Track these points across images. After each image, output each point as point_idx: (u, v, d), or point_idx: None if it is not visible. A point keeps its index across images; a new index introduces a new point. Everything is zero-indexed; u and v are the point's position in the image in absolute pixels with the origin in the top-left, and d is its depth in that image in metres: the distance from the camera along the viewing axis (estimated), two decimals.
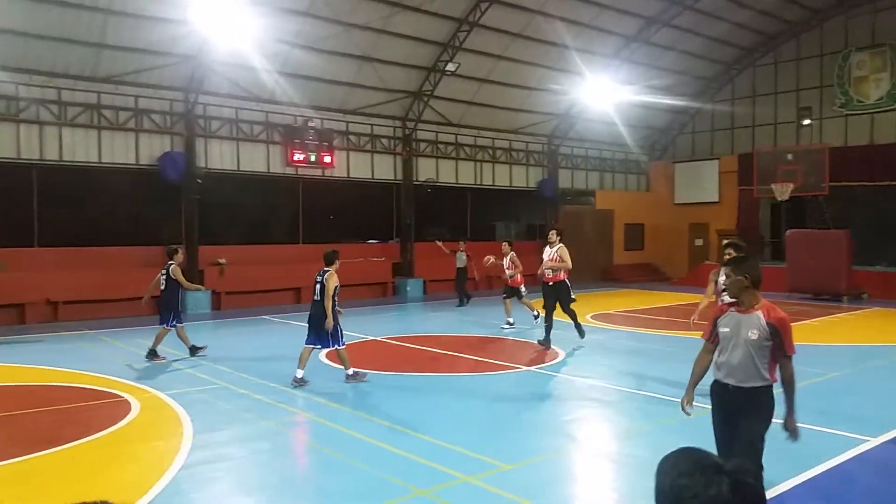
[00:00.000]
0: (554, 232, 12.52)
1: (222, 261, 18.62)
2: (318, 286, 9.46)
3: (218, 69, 18.19)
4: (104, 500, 1.41)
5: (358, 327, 14.36)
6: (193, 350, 11.58)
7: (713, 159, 28.79)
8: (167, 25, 16.46)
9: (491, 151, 25.66)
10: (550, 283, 12.20)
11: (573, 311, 12.42)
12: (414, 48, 20.91)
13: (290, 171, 20.85)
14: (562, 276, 12.21)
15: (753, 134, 28.08)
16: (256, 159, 20.21)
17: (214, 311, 18.13)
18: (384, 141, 22.92)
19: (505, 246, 15.78)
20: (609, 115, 25.12)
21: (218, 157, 19.43)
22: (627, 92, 23.55)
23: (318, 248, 21.25)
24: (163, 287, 11.47)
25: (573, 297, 12.47)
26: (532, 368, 10.76)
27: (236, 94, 19.20)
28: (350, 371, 9.52)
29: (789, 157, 24.22)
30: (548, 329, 12.05)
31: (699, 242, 28.91)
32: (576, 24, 22.16)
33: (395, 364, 11.26)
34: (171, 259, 11.59)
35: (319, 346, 9.59)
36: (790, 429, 4.72)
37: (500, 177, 26.06)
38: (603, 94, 22.96)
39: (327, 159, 21.18)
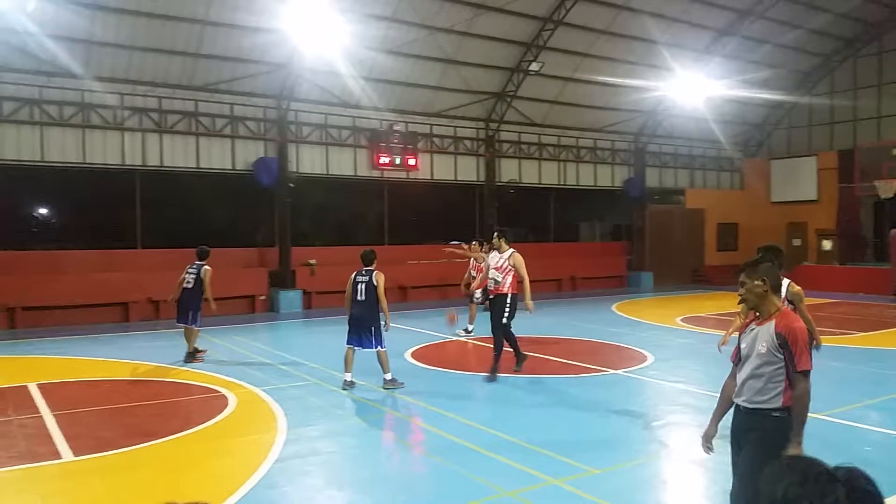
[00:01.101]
0: (497, 234, 10.49)
1: (313, 262, 19.16)
2: (362, 286, 9.27)
3: (308, 76, 18.75)
4: (202, 502, 1.46)
5: (441, 327, 14.47)
6: (192, 354, 11.36)
7: (811, 155, 27.44)
8: (260, 35, 17.09)
9: (575, 151, 25.34)
10: (492, 296, 10.27)
11: (508, 334, 10.05)
12: (497, 49, 20.92)
13: (375, 173, 21.26)
14: (506, 288, 9.99)
15: (855, 128, 26.59)
16: (344, 163, 20.71)
17: (306, 311, 18.69)
18: (467, 143, 23.02)
19: (474, 246, 14.86)
20: (700, 111, 24.33)
21: (308, 161, 20.04)
22: (719, 87, 22.75)
23: (403, 249, 21.92)
24: (190, 286, 11.40)
25: (508, 317, 9.98)
26: (620, 372, 10.56)
27: (325, 100, 19.74)
28: (388, 376, 9.28)
29: (894, 152, 22.80)
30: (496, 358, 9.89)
31: (797, 242, 27.61)
32: (664, 19, 21.63)
33: (480, 364, 11.28)
34: (204, 260, 11.60)
35: (361, 348, 9.35)
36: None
37: (585, 176, 25.69)
38: (693, 89, 22.27)
39: (411, 162, 21.46)
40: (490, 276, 10.20)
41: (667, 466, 6.66)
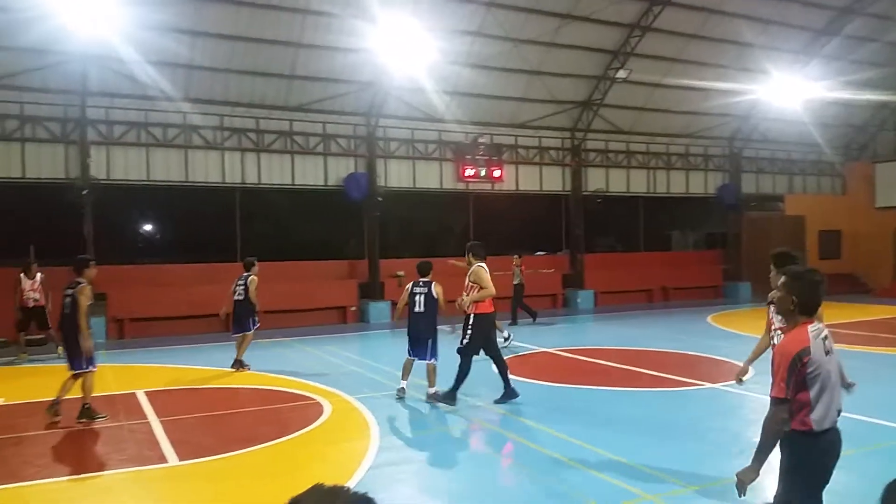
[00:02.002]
0: (467, 249, 9.51)
1: (401, 273, 19.43)
2: (420, 298, 9.20)
3: (395, 93, 19.15)
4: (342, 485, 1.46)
5: (528, 338, 14.41)
6: (239, 364, 11.78)
7: None
8: (350, 55, 17.60)
9: (665, 158, 24.73)
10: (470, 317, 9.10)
11: (464, 359, 9.04)
12: (583, 58, 20.73)
13: (461, 186, 21.44)
14: (476, 308, 9.00)
15: None
16: (430, 176, 21.00)
17: (394, 322, 18.97)
18: (552, 153, 22.88)
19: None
20: (797, 114, 23.29)
21: (396, 175, 20.44)
22: (818, 89, 21.71)
23: (488, 260, 21.84)
24: (241, 297, 11.84)
25: (468, 340, 9.06)
26: (718, 386, 10.19)
27: (412, 115, 20.10)
28: (432, 390, 9.16)
29: None
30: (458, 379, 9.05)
31: None
32: (757, 21, 20.88)
33: (569, 376, 11.15)
34: (249, 271, 12.04)
35: (416, 359, 9.31)
36: (737, 477, 3.82)
37: (676, 184, 25.02)
38: (790, 92, 21.36)
39: (497, 173, 21.52)
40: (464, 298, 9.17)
41: (769, 486, 6.37)
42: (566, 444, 7.26)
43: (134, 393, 10.19)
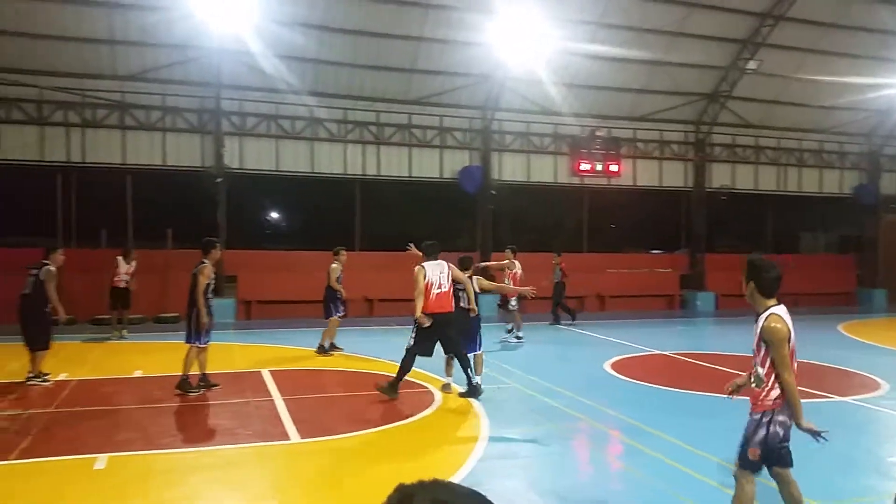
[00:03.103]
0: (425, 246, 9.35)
1: (503, 262, 19.48)
2: (463, 293, 9.35)
3: (511, 86, 19.15)
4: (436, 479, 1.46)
5: (642, 340, 14.07)
6: (331, 348, 12.46)
7: None
8: (468, 48, 17.76)
9: (798, 154, 23.36)
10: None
11: (404, 360, 9.01)
12: (710, 48, 19.89)
13: (575, 180, 21.17)
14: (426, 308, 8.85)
15: None
16: (545, 170, 20.87)
17: (503, 314, 19.03)
18: (674, 147, 22.14)
19: (507, 253, 14.44)
20: None
21: (510, 168, 20.47)
22: None
23: (602, 257, 21.59)
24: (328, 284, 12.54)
25: (411, 340, 9.01)
26: (848, 399, 9.58)
27: (527, 108, 20.04)
28: (476, 380, 9.14)
29: None
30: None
31: None
32: None
33: (684, 381, 10.82)
34: (337, 259, 12.63)
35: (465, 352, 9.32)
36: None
37: (808, 182, 23.58)
38: None
39: (613, 168, 21.07)
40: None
41: None
42: (678, 448, 7.08)
43: (259, 371, 10.81)
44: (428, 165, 19.75)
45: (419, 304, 8.72)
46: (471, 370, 9.08)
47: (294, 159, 18.60)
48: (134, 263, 14.57)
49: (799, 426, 4.38)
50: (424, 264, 9.01)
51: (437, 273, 8.94)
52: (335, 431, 7.63)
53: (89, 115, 17.05)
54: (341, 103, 18.70)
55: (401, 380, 8.98)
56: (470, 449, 6.93)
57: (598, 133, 20.93)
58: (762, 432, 4.44)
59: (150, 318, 16.52)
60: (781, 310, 4.44)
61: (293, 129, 18.54)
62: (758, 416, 4.49)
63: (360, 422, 8.02)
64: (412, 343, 8.94)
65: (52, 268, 9.83)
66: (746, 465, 4.53)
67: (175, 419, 8.27)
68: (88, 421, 8.05)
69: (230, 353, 12.62)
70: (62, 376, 10.22)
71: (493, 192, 19.89)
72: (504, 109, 19.88)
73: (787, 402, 4.38)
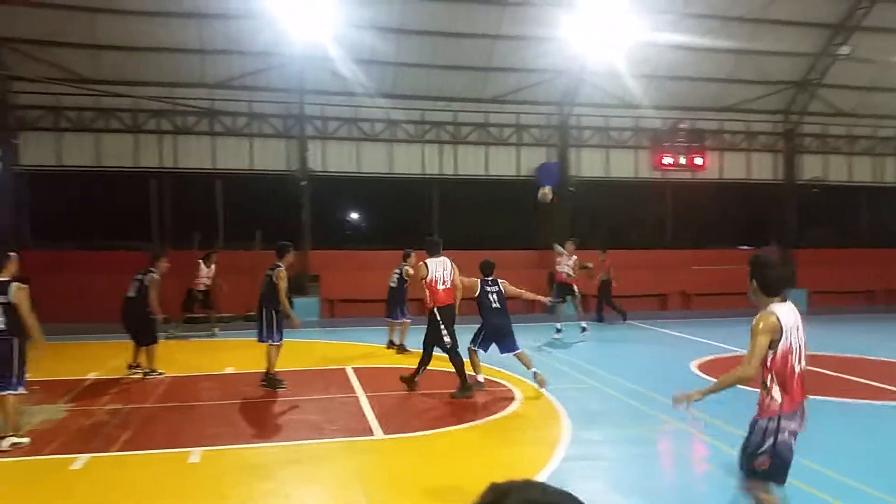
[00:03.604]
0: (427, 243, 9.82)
1: (589, 265, 19.19)
2: (494, 296, 9.49)
3: (589, 80, 18.88)
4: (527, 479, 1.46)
5: (730, 339, 13.61)
6: (400, 347, 12.54)
7: None
8: (544, 44, 17.61)
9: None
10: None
11: (424, 352, 9.50)
12: (798, 34, 19.04)
13: (657, 175, 20.69)
14: (427, 303, 9.45)
15: None
16: (624, 165, 20.48)
17: (586, 313, 18.78)
18: (762, 138, 21.31)
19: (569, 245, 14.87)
20: None
21: (588, 164, 20.19)
22: None
23: (686, 253, 20.99)
24: (395, 285, 12.67)
25: (442, 336, 9.32)
26: None
27: (606, 102, 19.70)
28: (536, 369, 9.24)
29: None
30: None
31: None
32: None
33: None
34: (406, 262, 12.46)
35: (508, 352, 9.48)
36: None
37: None
38: None
39: (698, 161, 20.48)
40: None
41: None
42: None
43: (343, 368, 11.08)
44: (504, 164, 19.72)
45: (428, 295, 9.24)
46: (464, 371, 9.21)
47: (373, 161, 18.95)
48: (214, 267, 15.13)
49: (690, 396, 4.40)
50: (427, 261, 9.38)
51: (439, 270, 9.32)
52: (418, 428, 7.75)
53: (180, 123, 17.88)
54: (419, 104, 18.91)
55: (464, 377, 9.13)
56: (552, 449, 6.90)
57: (681, 125, 20.38)
58: (770, 440, 4.16)
59: (240, 316, 17.14)
60: (782, 307, 4.22)
61: (372, 131, 18.88)
62: (764, 423, 4.21)
63: (441, 419, 8.12)
64: (449, 340, 9.21)
65: (157, 275, 10.44)
66: (757, 474, 4.20)
67: (264, 414, 8.58)
68: (183, 415, 8.46)
69: (315, 350, 12.98)
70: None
71: (571, 188, 19.65)
72: (582, 104, 19.62)
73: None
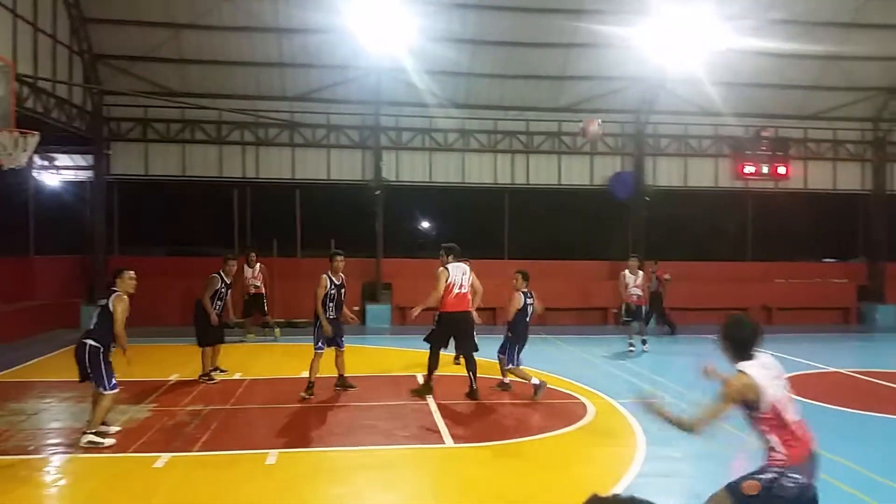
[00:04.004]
0: (443, 251, 9.98)
1: (667, 276, 18.76)
2: (530, 308, 9.72)
3: (667, 87, 18.50)
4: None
5: (815, 356, 13.05)
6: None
7: None
8: (620, 51, 17.32)
9: None
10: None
11: (431, 354, 9.76)
12: (890, 38, 18.08)
13: (738, 184, 20.06)
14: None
15: None
16: (704, 174, 19.96)
17: (660, 327, 18.36)
18: (849, 146, 20.38)
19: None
20: None
21: (665, 173, 19.78)
22: None
23: (768, 266, 20.23)
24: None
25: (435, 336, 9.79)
26: None
27: (684, 109, 19.25)
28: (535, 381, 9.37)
29: None
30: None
31: None
32: None
33: (864, 401, 9.89)
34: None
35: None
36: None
37: None
38: None
39: (781, 170, 19.74)
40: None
41: None
42: (858, 475, 6.50)
43: (414, 375, 11.14)
44: (578, 173, 19.52)
45: (431, 299, 9.47)
46: (475, 374, 9.44)
47: (446, 170, 19.09)
48: (258, 266, 15.39)
49: (662, 414, 4.17)
50: (448, 266, 9.57)
51: (458, 274, 9.55)
52: (488, 438, 7.73)
53: (262, 134, 18.48)
54: (491, 114, 18.96)
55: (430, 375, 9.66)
56: (627, 463, 6.76)
57: (763, 133, 19.70)
58: (771, 475, 3.92)
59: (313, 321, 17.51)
60: (753, 365, 3.99)
61: (445, 141, 19.03)
62: (771, 470, 3.96)
63: (512, 430, 8.07)
64: (430, 334, 9.67)
65: (216, 275, 10.71)
66: (735, 493, 3.95)
67: (337, 418, 8.71)
68: (260, 418, 8.70)
69: (387, 357, 13.15)
70: (236, 375, 11.11)
71: (647, 198, 19.27)
72: (659, 112, 19.24)
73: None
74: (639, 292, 14.03)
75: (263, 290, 15.49)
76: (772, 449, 3.97)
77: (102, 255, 17.47)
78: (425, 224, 24.34)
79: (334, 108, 18.52)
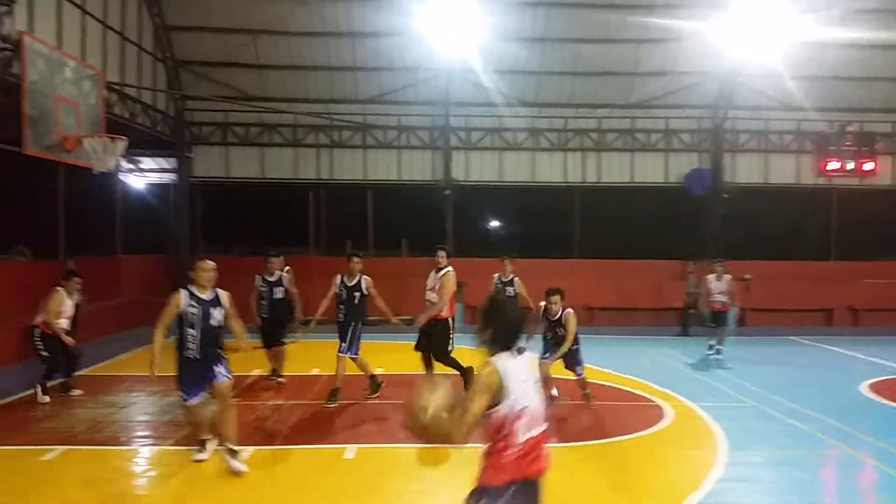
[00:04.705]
0: (442, 252, 9.37)
1: (747, 276, 18.17)
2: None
3: (745, 81, 17.96)
4: None
5: None
6: None
7: None
8: (696, 45, 16.92)
9: None
10: (429, 322, 9.13)
11: (453, 361, 9.10)
12: None
13: (822, 181, 19.29)
14: (442, 312, 9.05)
15: None
16: (785, 170, 19.28)
17: (740, 328, 17.79)
18: None
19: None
20: None
21: (745, 170, 19.20)
22: None
23: (854, 265, 19.33)
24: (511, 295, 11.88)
25: (451, 344, 9.19)
26: None
27: (765, 104, 18.63)
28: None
29: None
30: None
31: None
32: None
33: None
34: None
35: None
36: None
37: None
38: None
39: (868, 166, 18.86)
40: (426, 297, 9.25)
41: None
42: None
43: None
44: (651, 170, 19.14)
45: (435, 307, 8.96)
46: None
47: (515, 169, 19.04)
48: (288, 271, 14.55)
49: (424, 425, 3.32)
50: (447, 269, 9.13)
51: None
52: (564, 440, 7.64)
53: (336, 137, 18.87)
54: (562, 112, 18.81)
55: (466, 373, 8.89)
56: (707, 469, 6.60)
57: (848, 128, 18.85)
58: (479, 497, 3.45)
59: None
60: (509, 361, 3.42)
61: (515, 140, 18.98)
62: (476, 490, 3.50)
63: (587, 432, 7.99)
64: (452, 344, 9.19)
65: (257, 276, 10.63)
66: None
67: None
68: (338, 413, 8.88)
69: (459, 355, 13.10)
70: (314, 371, 11.37)
71: (725, 195, 18.73)
72: (738, 107, 18.67)
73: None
74: (723, 298, 13.22)
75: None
76: (482, 461, 3.52)
77: (185, 254, 18.19)
78: (495, 223, 24.33)
79: (405, 110, 18.75)
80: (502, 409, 3.35)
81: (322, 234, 19.58)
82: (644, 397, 9.68)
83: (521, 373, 3.44)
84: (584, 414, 8.91)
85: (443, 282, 9.02)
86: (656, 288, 18.65)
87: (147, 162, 19.70)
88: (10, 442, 7.43)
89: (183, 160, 18.62)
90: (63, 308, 9.32)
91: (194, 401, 6.79)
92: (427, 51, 16.67)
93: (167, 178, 19.52)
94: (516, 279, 11.90)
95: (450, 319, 9.16)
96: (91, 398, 9.45)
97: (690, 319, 16.28)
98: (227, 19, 16.90)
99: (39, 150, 10.61)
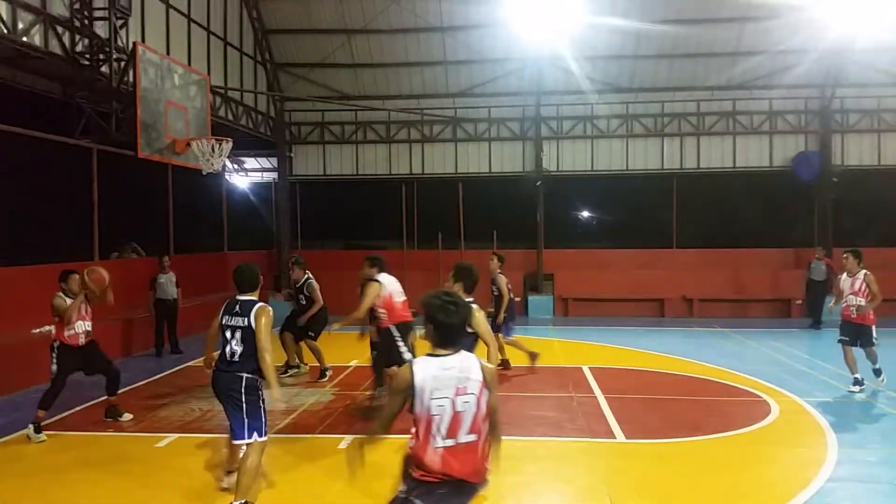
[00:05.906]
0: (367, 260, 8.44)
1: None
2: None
3: (857, 58, 16.85)
4: None
5: None
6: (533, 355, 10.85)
7: None
8: (800, 22, 15.94)
9: None
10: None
11: (382, 372, 8.37)
12: None
13: None
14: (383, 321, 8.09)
15: None
16: None
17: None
18: None
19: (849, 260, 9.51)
20: None
21: (856, 152, 18.06)
22: None
23: None
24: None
25: (399, 355, 7.89)
26: None
27: (879, 81, 17.42)
28: None
29: None
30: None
31: None
32: None
33: None
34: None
35: None
36: None
37: None
38: None
39: None
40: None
41: None
42: None
43: (580, 367, 11.07)
44: (755, 154, 18.30)
45: (357, 315, 8.15)
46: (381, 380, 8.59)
47: (608, 158, 18.67)
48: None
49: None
50: (379, 276, 8.20)
51: (394, 282, 8.27)
52: (662, 435, 7.51)
53: (427, 131, 19.10)
54: (659, 96, 18.28)
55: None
56: (816, 467, 6.30)
57: None
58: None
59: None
60: (431, 363, 3.41)
61: (608, 128, 18.59)
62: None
63: (687, 427, 7.78)
64: (410, 355, 8.05)
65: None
66: None
67: (507, 408, 8.60)
68: None
69: (551, 347, 13.11)
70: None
71: (835, 178, 17.68)
72: (847, 85, 17.56)
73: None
74: (861, 302, 9.25)
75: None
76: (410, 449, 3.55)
77: (287, 249, 18.93)
78: (587, 213, 23.93)
79: (495, 102, 18.73)
80: (416, 410, 3.44)
81: (415, 228, 19.87)
82: (749, 392, 9.33)
83: (442, 378, 3.40)
84: (682, 408, 8.69)
85: (364, 290, 8.17)
86: (763, 278, 17.89)
87: (250, 162, 20.59)
88: (130, 430, 8.01)
89: (283, 159, 19.34)
90: (71, 312, 7.84)
91: None
92: (516, 41, 16.58)
93: (269, 177, 20.33)
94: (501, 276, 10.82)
95: (392, 328, 8.08)
96: (200, 389, 9.99)
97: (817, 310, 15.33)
98: (322, 20, 17.39)
99: (151, 154, 11.28)
